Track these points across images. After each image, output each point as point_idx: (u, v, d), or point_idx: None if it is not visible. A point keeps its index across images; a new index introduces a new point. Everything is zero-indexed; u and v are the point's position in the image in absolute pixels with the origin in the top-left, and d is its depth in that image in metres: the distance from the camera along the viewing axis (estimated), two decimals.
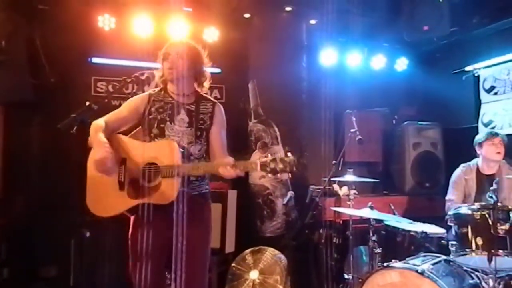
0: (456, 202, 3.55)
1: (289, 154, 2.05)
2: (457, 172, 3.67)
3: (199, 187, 2.37)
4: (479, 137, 3.59)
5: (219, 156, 2.33)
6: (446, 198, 3.65)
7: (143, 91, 2.43)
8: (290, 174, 2.08)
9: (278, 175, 2.07)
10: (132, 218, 2.34)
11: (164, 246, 2.25)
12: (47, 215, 3.83)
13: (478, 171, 3.57)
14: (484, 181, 3.48)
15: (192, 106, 2.40)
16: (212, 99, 2.51)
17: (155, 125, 2.34)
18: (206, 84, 2.49)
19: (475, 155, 3.65)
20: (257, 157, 4.30)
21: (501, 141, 3.48)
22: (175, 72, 2.33)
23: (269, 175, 2.05)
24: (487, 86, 4.82)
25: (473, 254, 2.60)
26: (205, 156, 2.40)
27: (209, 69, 2.53)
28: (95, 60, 4.26)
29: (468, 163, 3.66)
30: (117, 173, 2.27)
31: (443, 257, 2.81)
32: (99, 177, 2.25)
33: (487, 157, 3.50)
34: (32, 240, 3.88)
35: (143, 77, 2.28)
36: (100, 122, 2.29)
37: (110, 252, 3.42)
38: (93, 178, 2.29)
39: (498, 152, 3.46)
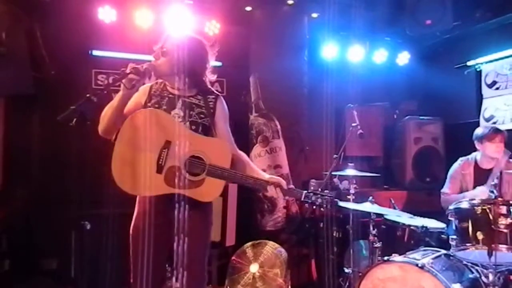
0: (450, 195, 3.58)
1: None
2: (455, 165, 3.68)
3: None
4: (479, 132, 3.55)
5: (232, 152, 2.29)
6: (441, 190, 3.69)
7: (143, 84, 2.39)
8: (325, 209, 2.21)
9: (315, 207, 2.20)
10: (135, 213, 2.30)
11: (166, 242, 2.21)
12: (48, 207, 3.84)
13: (476, 165, 3.57)
14: (482, 175, 3.47)
15: (191, 99, 2.31)
16: (215, 91, 2.41)
17: None
18: (210, 76, 2.41)
19: (475, 150, 3.64)
20: (257, 151, 4.35)
21: (501, 139, 3.45)
22: (175, 67, 2.26)
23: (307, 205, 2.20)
24: (489, 81, 4.80)
25: (473, 248, 2.60)
26: None
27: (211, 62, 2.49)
28: (95, 52, 4.25)
29: (467, 156, 3.65)
30: (157, 153, 2.15)
31: (443, 251, 2.81)
32: (132, 153, 2.14)
33: (487, 154, 3.48)
34: (33, 232, 3.89)
35: (142, 69, 2.23)
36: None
37: (111, 244, 3.43)
38: (123, 153, 2.15)
39: (498, 151, 3.44)
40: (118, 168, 2.15)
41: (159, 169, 2.15)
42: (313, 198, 2.17)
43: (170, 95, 2.31)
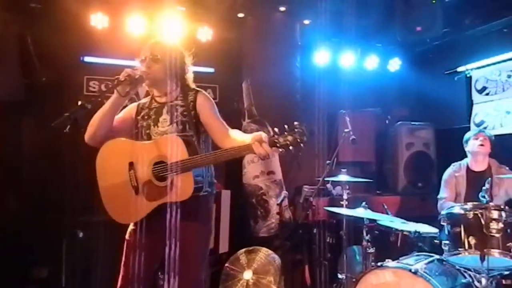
0: (448, 200, 3.62)
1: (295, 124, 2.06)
2: (448, 170, 3.76)
3: (196, 189, 2.28)
4: (466, 135, 3.71)
5: (224, 136, 2.26)
6: (438, 196, 3.73)
7: (137, 91, 2.42)
8: (302, 145, 2.02)
9: (290, 148, 2.01)
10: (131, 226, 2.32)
11: (159, 250, 2.22)
12: (39, 215, 3.79)
13: (468, 168, 3.66)
14: (474, 178, 3.54)
15: (175, 101, 2.37)
16: (195, 88, 2.44)
17: (142, 133, 2.35)
18: (190, 79, 2.47)
19: (466, 155, 3.72)
20: (250, 157, 4.34)
21: (485, 137, 3.59)
22: (152, 74, 2.32)
23: (281, 150, 2.02)
24: (479, 87, 4.86)
25: (466, 253, 2.60)
26: (204, 146, 2.36)
27: (202, 69, 2.54)
28: (87, 59, 4.23)
29: (458, 162, 3.75)
30: (128, 179, 2.23)
31: (436, 256, 2.83)
32: (112, 186, 2.26)
33: (472, 150, 3.62)
34: (23, 241, 3.83)
35: (136, 76, 2.25)
36: None
37: (103, 253, 3.39)
38: (107, 189, 2.28)
39: (481, 145, 3.56)
40: (108, 203, 2.27)
41: (136, 191, 2.22)
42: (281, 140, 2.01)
43: (157, 105, 2.40)
